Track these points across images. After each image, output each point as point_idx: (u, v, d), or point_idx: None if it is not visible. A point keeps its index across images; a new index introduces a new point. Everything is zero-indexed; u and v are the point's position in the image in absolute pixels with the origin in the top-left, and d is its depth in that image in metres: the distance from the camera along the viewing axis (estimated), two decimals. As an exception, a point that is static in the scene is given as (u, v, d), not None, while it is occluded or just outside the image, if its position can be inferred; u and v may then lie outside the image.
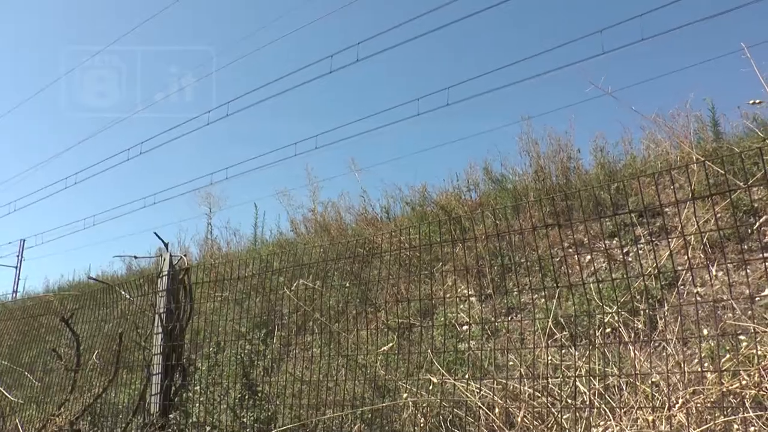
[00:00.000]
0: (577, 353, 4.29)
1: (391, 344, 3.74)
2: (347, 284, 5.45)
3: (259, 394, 3.56)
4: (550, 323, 4.26)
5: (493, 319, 6.59)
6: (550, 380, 3.70)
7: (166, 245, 4.08)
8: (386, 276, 5.86)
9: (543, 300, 5.79)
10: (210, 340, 4.04)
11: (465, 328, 6.29)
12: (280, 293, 5.07)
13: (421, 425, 3.47)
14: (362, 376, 4.46)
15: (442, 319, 6.21)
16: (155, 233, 4.23)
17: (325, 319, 5.54)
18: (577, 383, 3.47)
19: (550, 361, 4.06)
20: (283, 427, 3.42)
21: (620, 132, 9.69)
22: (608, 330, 4.76)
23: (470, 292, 6.72)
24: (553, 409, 3.45)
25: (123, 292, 4.32)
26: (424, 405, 3.51)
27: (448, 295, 6.43)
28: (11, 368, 6.15)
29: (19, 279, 31.17)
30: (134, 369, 4.26)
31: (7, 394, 4.75)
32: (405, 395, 3.40)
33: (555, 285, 5.94)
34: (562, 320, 5.02)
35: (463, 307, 6.58)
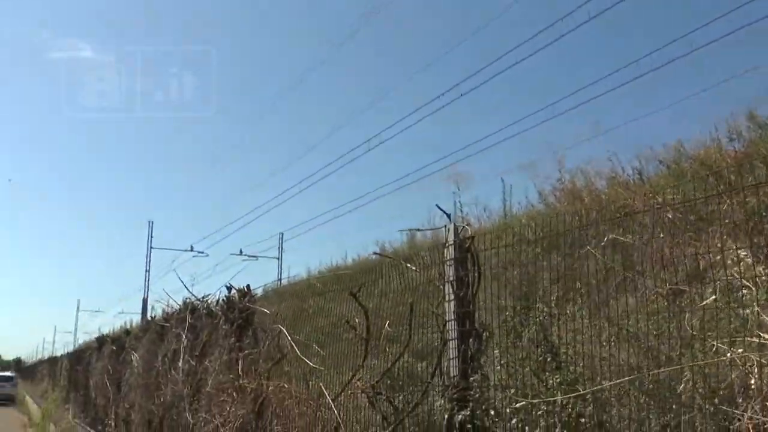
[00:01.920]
0: None
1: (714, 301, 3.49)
2: (609, 246, 5.23)
3: (563, 356, 3.57)
4: None
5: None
6: None
7: (448, 216, 4.28)
8: (648, 240, 5.53)
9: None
10: (497, 306, 4.14)
11: (745, 291, 5.70)
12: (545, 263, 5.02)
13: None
14: (636, 345, 4.26)
15: (716, 282, 5.68)
16: (437, 206, 4.47)
17: (587, 289, 5.39)
18: None
19: None
20: (590, 390, 3.39)
21: None
22: None
23: (745, 253, 6.05)
24: None
25: (408, 265, 4.62)
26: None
27: (718, 257, 5.87)
28: (296, 341, 6.93)
29: (281, 268, 35.96)
30: (425, 336, 4.55)
31: (309, 362, 5.36)
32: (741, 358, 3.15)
33: None
34: None
35: (738, 269, 5.94)
